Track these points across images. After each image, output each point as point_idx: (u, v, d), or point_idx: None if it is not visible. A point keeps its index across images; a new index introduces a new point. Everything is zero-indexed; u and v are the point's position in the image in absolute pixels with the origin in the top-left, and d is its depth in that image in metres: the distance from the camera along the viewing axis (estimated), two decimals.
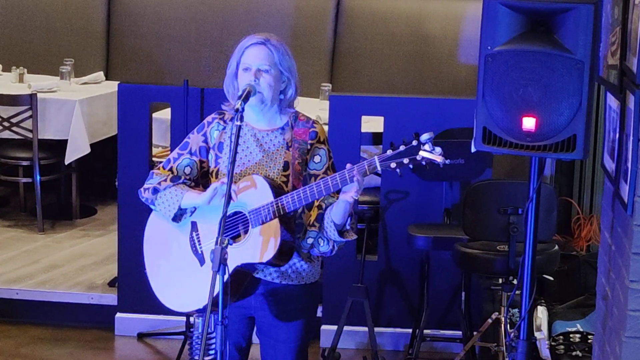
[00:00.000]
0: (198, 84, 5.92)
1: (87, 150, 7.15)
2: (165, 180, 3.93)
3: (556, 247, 5.18)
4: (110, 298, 6.15)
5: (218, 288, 3.52)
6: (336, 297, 5.77)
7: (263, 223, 3.77)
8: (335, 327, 5.57)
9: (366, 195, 6.03)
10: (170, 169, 3.98)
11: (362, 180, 3.67)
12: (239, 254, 3.76)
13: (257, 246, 3.77)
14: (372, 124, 6.06)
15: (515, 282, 5.05)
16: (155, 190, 3.92)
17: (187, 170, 3.97)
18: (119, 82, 6.28)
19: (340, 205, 3.74)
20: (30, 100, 7.00)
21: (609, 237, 3.91)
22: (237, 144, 3.68)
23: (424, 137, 3.62)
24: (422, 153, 3.62)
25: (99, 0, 8.16)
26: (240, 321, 4.01)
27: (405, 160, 3.63)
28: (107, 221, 7.52)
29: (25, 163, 7.30)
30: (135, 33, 8.09)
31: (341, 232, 3.81)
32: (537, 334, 5.46)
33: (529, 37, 3.59)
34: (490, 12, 3.62)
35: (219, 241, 3.53)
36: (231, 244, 3.66)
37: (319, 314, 5.77)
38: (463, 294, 5.59)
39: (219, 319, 3.55)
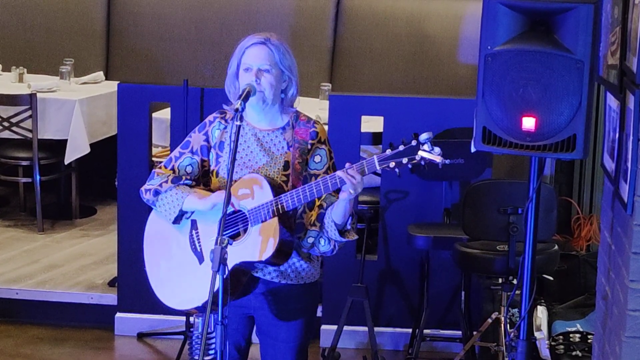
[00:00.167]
0: (198, 84, 5.93)
1: (87, 150, 7.15)
2: (166, 181, 3.93)
3: (556, 246, 5.18)
4: (110, 298, 6.15)
5: (217, 287, 3.52)
6: (336, 297, 5.77)
7: (262, 222, 3.77)
8: (335, 327, 5.57)
9: (366, 195, 6.03)
10: (172, 168, 3.98)
11: (362, 180, 3.67)
12: (238, 252, 3.76)
13: (256, 245, 3.77)
14: (372, 123, 6.06)
15: (515, 282, 5.05)
16: (157, 193, 3.92)
17: (189, 169, 3.98)
18: (118, 81, 6.28)
19: (340, 205, 3.74)
20: (30, 100, 7.00)
21: (609, 236, 3.91)
22: (237, 144, 3.68)
23: (423, 137, 3.62)
24: (421, 153, 3.62)
25: (99, 0, 8.16)
26: (239, 321, 4.01)
27: (404, 160, 3.63)
28: (106, 221, 7.52)
29: (25, 163, 7.30)
30: (135, 33, 8.09)
31: (342, 231, 3.81)
32: (537, 334, 5.46)
33: (529, 36, 3.59)
34: (490, 12, 3.62)
35: (218, 241, 3.53)
36: (231, 244, 3.67)
37: (319, 313, 5.77)
38: (463, 293, 5.59)
39: (219, 319, 3.55)
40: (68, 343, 5.95)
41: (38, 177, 7.18)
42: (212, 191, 3.93)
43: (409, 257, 5.85)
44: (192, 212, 3.91)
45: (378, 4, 7.77)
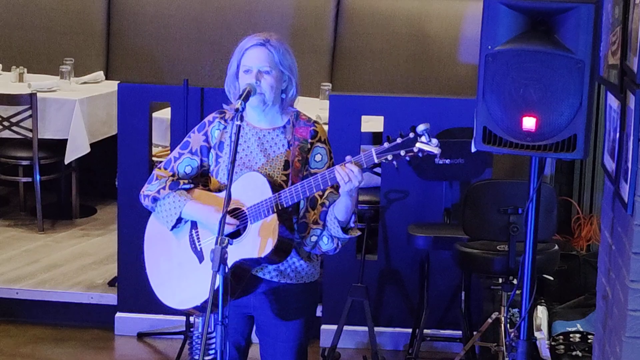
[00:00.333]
0: (198, 84, 5.92)
1: (87, 149, 7.15)
2: (164, 187, 3.93)
3: (556, 246, 5.18)
4: (110, 298, 6.15)
5: (217, 287, 3.52)
6: (336, 297, 5.77)
7: (262, 219, 3.77)
8: (335, 327, 5.57)
9: (366, 195, 6.03)
10: (172, 170, 3.98)
11: (360, 172, 3.67)
12: (237, 250, 3.76)
13: (256, 242, 3.77)
14: (372, 123, 6.06)
15: (515, 281, 5.05)
16: (155, 199, 3.93)
17: (188, 169, 3.98)
18: (119, 81, 6.28)
19: (342, 200, 3.75)
20: (30, 100, 7.00)
21: (609, 236, 3.91)
22: (237, 144, 3.68)
23: (420, 128, 3.63)
24: (418, 145, 3.63)
25: (99, 0, 8.15)
26: (239, 320, 4.01)
27: (402, 152, 3.63)
28: (107, 221, 7.52)
29: (25, 162, 7.30)
30: (135, 33, 8.09)
31: (345, 229, 3.81)
32: (537, 334, 5.46)
33: (530, 36, 3.59)
34: (491, 12, 3.62)
35: (218, 241, 3.53)
36: (231, 244, 3.67)
37: (319, 313, 5.77)
38: (463, 293, 5.59)
39: (219, 319, 3.55)
40: (68, 343, 5.95)
41: (38, 176, 7.18)
42: (212, 191, 3.93)
43: (409, 257, 5.84)
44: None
45: (378, 4, 7.77)
